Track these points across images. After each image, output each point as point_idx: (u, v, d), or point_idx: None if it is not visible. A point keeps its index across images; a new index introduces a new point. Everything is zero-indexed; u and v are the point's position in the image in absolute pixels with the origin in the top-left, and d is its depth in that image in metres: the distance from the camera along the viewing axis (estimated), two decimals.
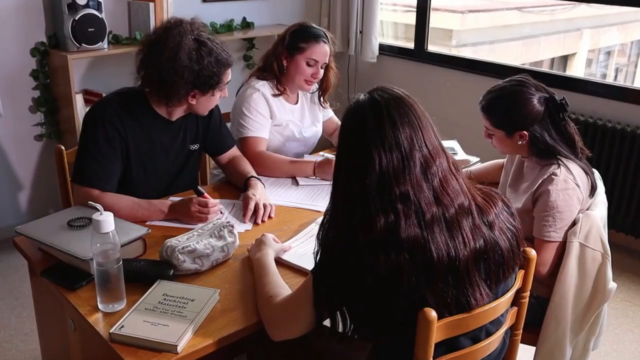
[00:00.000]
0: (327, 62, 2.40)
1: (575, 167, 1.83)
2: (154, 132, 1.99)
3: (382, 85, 1.30)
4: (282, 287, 1.45)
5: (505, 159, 2.15)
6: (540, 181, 1.82)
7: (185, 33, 1.87)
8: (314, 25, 2.40)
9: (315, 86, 2.50)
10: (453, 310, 1.21)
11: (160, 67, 1.86)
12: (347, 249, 1.21)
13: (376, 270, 1.17)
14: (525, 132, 1.84)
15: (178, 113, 2.00)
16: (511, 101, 1.84)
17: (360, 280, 1.20)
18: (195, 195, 1.88)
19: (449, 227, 1.20)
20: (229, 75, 1.97)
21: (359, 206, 1.20)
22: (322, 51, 2.35)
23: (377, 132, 1.21)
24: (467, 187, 1.27)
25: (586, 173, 1.85)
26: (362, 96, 1.28)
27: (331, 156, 2.32)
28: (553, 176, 1.79)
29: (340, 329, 1.29)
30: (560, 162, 1.82)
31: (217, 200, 1.92)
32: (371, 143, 1.20)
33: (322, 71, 2.40)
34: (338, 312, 1.27)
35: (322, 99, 2.59)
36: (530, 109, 1.82)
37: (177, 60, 1.84)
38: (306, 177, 2.29)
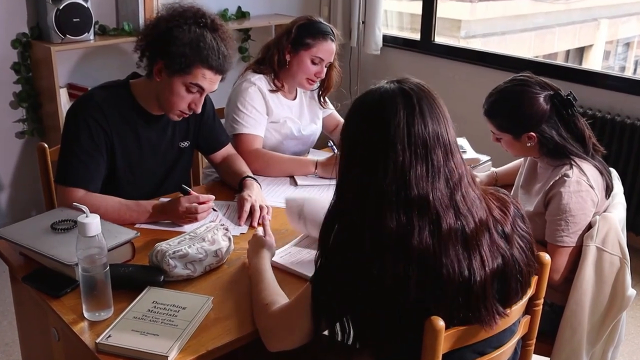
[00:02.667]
0: (331, 61, 2.40)
1: (589, 168, 1.83)
2: (141, 129, 1.99)
3: (407, 77, 1.27)
4: (279, 294, 1.45)
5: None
6: (552, 183, 1.82)
7: (191, 9, 1.88)
8: (322, 21, 2.40)
9: (316, 84, 2.50)
10: None
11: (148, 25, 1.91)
12: (353, 253, 1.20)
13: (382, 278, 1.16)
14: (532, 133, 1.84)
15: (155, 103, 1.96)
16: (514, 103, 1.85)
17: (364, 288, 1.19)
18: (182, 195, 1.88)
19: (466, 244, 1.19)
20: (205, 76, 1.86)
21: (371, 205, 1.19)
22: (329, 49, 2.36)
23: (406, 126, 1.18)
24: (485, 199, 1.26)
25: (601, 173, 1.86)
26: (386, 84, 1.24)
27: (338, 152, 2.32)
28: (565, 177, 1.79)
29: (339, 339, 1.29)
30: (573, 163, 1.82)
31: (210, 196, 1.91)
32: (397, 138, 1.18)
33: (325, 70, 2.41)
34: (338, 322, 1.28)
35: (322, 98, 2.59)
36: (535, 109, 1.82)
37: (160, 16, 1.87)
38: (305, 175, 2.29)
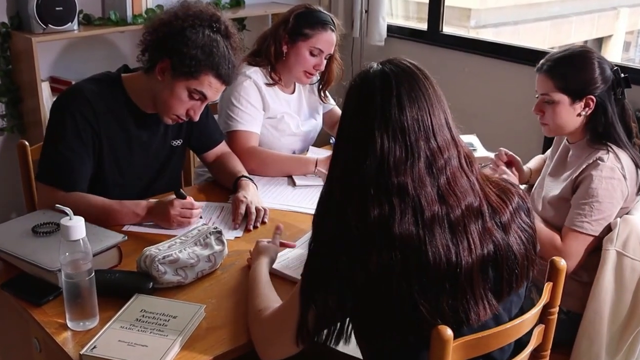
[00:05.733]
0: (331, 52, 2.40)
1: (625, 157, 1.85)
2: (131, 126, 1.99)
3: (397, 57, 1.30)
4: (274, 300, 1.46)
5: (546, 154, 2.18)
6: (584, 166, 1.84)
7: (207, 12, 1.88)
8: (322, 10, 2.40)
9: (315, 77, 2.50)
10: (450, 323, 1.21)
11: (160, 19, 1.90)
12: (340, 242, 1.23)
13: (367, 267, 1.19)
14: (593, 97, 1.86)
15: (149, 101, 1.96)
16: (582, 62, 1.88)
17: (352, 278, 1.21)
18: (175, 197, 1.88)
19: (452, 230, 1.21)
20: (211, 85, 1.88)
21: (355, 193, 1.22)
22: (329, 40, 2.36)
23: (382, 114, 1.22)
24: (480, 185, 1.28)
25: (637, 166, 1.87)
26: (374, 66, 1.28)
27: None
28: (599, 161, 1.82)
29: (324, 339, 1.31)
30: (609, 149, 1.84)
31: (201, 204, 1.92)
32: (375, 125, 1.22)
33: (324, 62, 2.41)
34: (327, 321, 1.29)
35: (322, 93, 2.59)
36: (601, 72, 1.87)
37: (174, 13, 1.85)
38: (305, 175, 2.30)
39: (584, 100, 1.87)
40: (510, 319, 1.32)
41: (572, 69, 1.89)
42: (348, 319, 1.30)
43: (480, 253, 1.23)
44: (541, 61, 1.95)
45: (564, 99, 1.89)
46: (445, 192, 1.22)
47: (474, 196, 1.25)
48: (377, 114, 1.22)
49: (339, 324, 1.31)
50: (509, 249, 1.26)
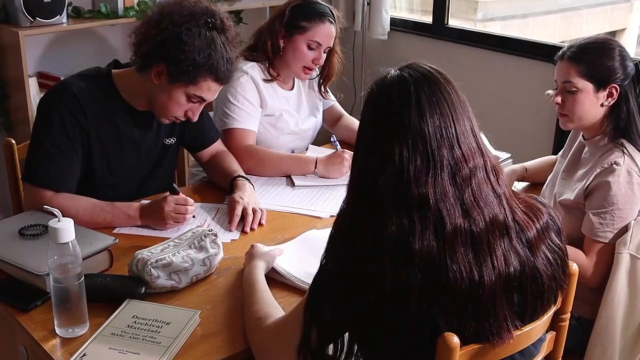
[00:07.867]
0: (331, 45, 2.40)
1: (639, 158, 1.85)
2: (122, 124, 1.99)
3: (415, 62, 1.28)
4: (273, 307, 1.46)
5: (556, 156, 2.19)
6: (598, 170, 1.84)
7: (200, 5, 1.87)
8: (319, 1, 2.40)
9: (315, 72, 2.50)
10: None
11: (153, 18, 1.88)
12: (353, 257, 1.21)
13: (381, 285, 1.17)
14: (617, 86, 1.86)
15: (141, 99, 1.96)
16: (607, 49, 1.90)
17: (364, 296, 1.19)
18: (169, 194, 1.89)
19: (475, 247, 1.19)
20: (210, 89, 1.89)
21: (369, 205, 1.20)
22: (327, 32, 2.36)
23: (400, 120, 1.20)
24: (507, 198, 1.25)
25: None
26: (392, 72, 1.27)
27: (341, 149, 2.32)
28: (615, 166, 1.82)
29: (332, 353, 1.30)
30: (624, 150, 1.84)
31: (196, 205, 1.92)
32: (393, 133, 1.20)
33: (324, 56, 2.41)
34: (332, 338, 1.28)
35: (322, 88, 2.59)
36: (626, 63, 1.88)
37: (168, 15, 1.84)
38: (304, 175, 2.29)
39: (607, 89, 1.87)
40: (534, 346, 1.32)
41: (598, 55, 1.90)
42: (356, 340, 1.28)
43: (504, 272, 1.20)
44: (562, 49, 1.95)
45: (587, 86, 1.89)
46: (469, 204, 1.19)
47: (499, 209, 1.22)
48: (395, 121, 1.20)
49: (346, 344, 1.29)
50: (534, 270, 1.24)
